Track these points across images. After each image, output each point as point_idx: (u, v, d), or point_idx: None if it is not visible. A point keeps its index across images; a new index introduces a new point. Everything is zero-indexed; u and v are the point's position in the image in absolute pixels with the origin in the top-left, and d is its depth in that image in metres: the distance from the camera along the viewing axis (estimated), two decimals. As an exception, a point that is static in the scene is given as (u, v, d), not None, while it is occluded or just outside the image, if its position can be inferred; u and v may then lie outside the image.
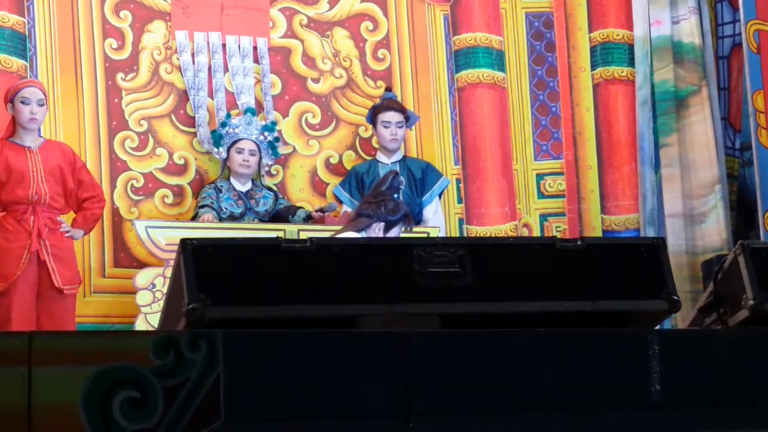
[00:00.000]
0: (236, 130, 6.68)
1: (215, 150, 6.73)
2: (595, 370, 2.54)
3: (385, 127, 6.79)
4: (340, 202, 6.85)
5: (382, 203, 5.31)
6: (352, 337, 2.53)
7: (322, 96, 7.13)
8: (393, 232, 5.30)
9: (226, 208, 6.54)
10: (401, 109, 6.84)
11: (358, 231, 5.27)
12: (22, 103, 5.93)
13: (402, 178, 6.28)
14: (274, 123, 6.89)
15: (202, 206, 6.49)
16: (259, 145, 6.72)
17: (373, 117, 6.86)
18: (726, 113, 7.50)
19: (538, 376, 2.52)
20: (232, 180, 6.68)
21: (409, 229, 5.56)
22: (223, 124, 6.72)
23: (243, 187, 6.67)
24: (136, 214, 6.65)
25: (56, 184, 5.93)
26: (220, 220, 6.45)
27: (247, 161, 6.64)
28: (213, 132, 6.75)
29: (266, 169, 6.88)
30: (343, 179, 6.93)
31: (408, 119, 6.86)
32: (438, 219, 6.85)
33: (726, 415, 2.57)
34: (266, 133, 6.77)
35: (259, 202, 6.65)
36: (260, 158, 6.74)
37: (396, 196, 5.44)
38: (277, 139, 6.86)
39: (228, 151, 6.68)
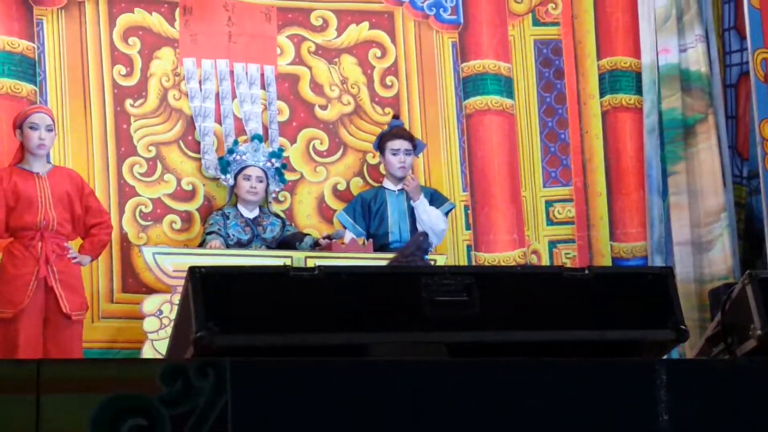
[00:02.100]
0: (243, 157, 6.70)
1: (222, 177, 6.75)
2: (602, 399, 2.54)
3: (394, 154, 6.79)
4: (344, 227, 6.85)
5: (413, 264, 5.24)
6: (359, 365, 2.53)
7: (330, 123, 7.15)
8: None
9: (234, 235, 6.55)
10: (409, 137, 6.85)
11: None
12: (31, 128, 5.95)
13: (431, 240, 6.26)
14: (281, 149, 6.91)
15: (210, 233, 6.50)
16: (266, 171, 6.73)
17: (380, 144, 6.87)
18: (734, 141, 7.51)
19: (545, 406, 2.52)
20: (240, 207, 6.69)
21: None
22: (231, 151, 6.74)
23: (250, 213, 6.68)
24: (144, 239, 6.67)
25: (64, 210, 5.95)
26: (228, 246, 6.46)
27: (255, 188, 6.66)
28: (220, 159, 6.77)
29: (273, 195, 6.89)
30: (348, 205, 6.94)
31: (416, 147, 6.87)
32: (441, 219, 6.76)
33: (734, 446, 2.56)
34: (273, 160, 6.79)
35: (266, 229, 6.66)
36: (267, 185, 6.76)
37: (426, 257, 5.37)
38: (284, 166, 6.87)
39: (235, 178, 6.70)
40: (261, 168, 6.71)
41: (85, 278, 6.14)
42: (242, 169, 6.69)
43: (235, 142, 6.81)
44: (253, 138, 6.82)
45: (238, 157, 6.71)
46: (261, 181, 6.69)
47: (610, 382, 2.55)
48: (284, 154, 6.94)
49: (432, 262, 6.33)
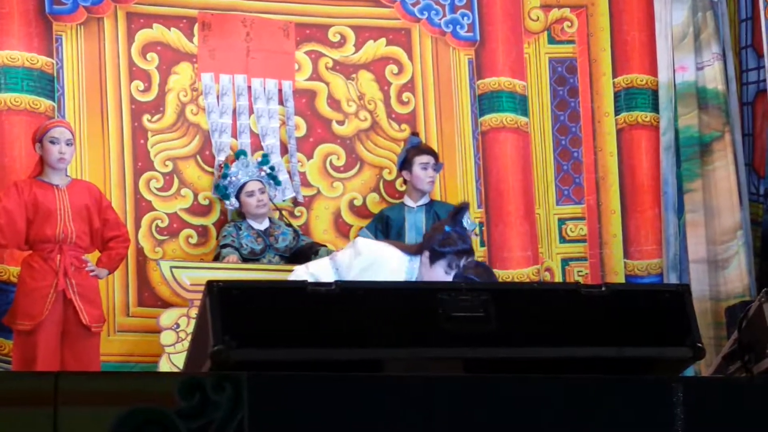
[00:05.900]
0: (237, 177, 6.69)
1: (227, 203, 6.74)
2: (619, 416, 2.54)
3: (423, 168, 6.80)
4: (365, 244, 6.84)
5: (435, 231, 5.03)
6: (375, 380, 2.54)
7: (347, 138, 7.17)
8: (441, 264, 4.95)
9: (247, 245, 6.56)
10: (434, 152, 6.88)
11: (406, 253, 4.97)
12: (51, 142, 5.98)
13: (467, 213, 6.10)
14: (265, 155, 6.88)
15: (224, 245, 6.51)
16: (262, 181, 6.72)
17: (407, 159, 6.83)
18: (750, 159, 7.49)
19: (561, 422, 2.52)
20: (250, 221, 6.69)
21: (468, 264, 5.15)
22: (225, 176, 6.72)
23: (261, 226, 6.68)
24: (160, 253, 6.68)
25: (83, 223, 5.97)
26: (241, 257, 6.47)
27: (261, 200, 6.66)
28: (217, 186, 6.76)
29: (275, 200, 6.85)
30: (370, 222, 6.93)
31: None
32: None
33: (750, 464, 2.56)
34: (264, 167, 6.78)
35: (278, 239, 6.66)
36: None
37: (448, 228, 5.08)
38: (272, 168, 6.83)
39: (238, 199, 6.69)
40: (258, 180, 6.70)
41: (101, 292, 6.15)
42: (242, 187, 6.68)
43: (226, 166, 6.78)
44: (237, 155, 6.81)
45: (233, 179, 6.70)
46: (263, 192, 6.69)
47: (627, 399, 2.55)
48: (301, 169, 6.94)
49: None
